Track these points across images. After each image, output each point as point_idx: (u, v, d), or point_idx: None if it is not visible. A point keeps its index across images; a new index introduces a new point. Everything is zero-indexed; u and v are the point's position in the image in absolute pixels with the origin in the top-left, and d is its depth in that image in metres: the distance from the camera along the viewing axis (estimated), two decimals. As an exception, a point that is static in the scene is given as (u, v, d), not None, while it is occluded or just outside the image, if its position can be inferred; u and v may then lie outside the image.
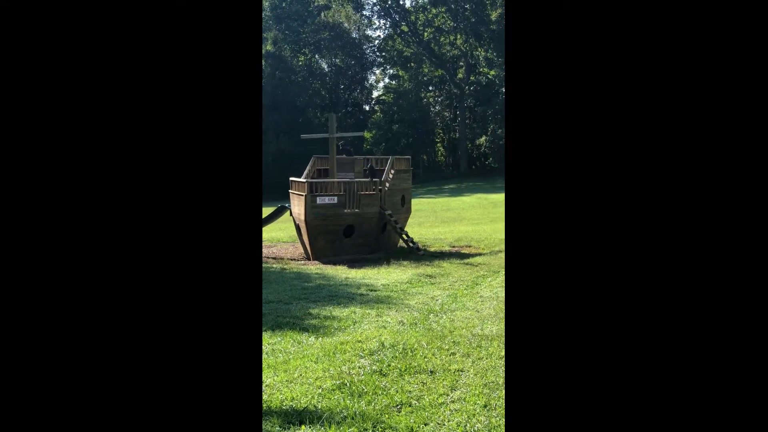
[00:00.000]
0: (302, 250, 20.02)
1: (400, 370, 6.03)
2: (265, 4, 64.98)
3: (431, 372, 5.95)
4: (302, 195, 18.57)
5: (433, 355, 6.60)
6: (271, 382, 5.82)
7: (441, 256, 18.32)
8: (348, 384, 5.60)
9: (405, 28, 65.77)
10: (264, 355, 7.07)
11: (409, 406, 5.03)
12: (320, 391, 5.46)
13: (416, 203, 24.72)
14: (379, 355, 6.65)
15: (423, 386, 5.52)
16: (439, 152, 68.74)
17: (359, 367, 6.18)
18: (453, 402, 5.05)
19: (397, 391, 5.37)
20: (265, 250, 20.81)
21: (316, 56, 67.16)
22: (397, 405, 5.06)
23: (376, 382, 5.62)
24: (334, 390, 5.47)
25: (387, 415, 4.82)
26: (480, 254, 18.11)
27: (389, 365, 6.19)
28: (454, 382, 5.60)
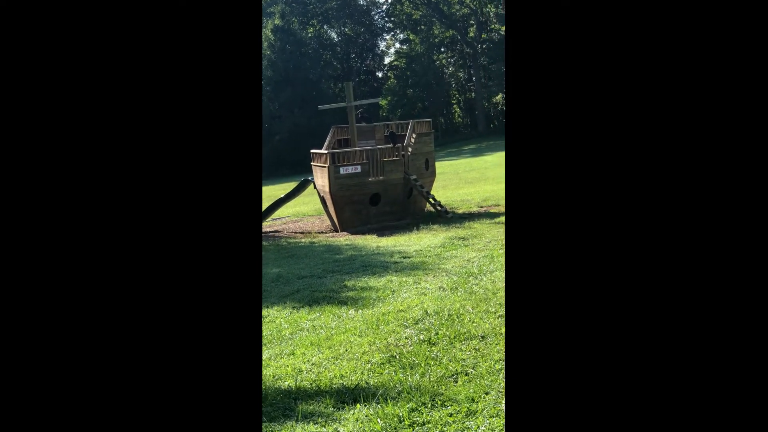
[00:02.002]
0: (329, 223, 19.80)
1: (450, 337, 5.79)
2: (270, -23, 64.34)
3: (482, 337, 5.69)
4: (325, 166, 18.29)
5: (480, 319, 6.34)
6: (317, 360, 5.61)
7: (470, 217, 18.01)
8: (397, 356, 5.37)
9: (412, -9, 64.82)
10: (305, 333, 6.87)
11: (466, 375, 4.79)
12: (369, 365, 5.23)
13: (438, 166, 24.24)
14: (425, 323, 6.41)
15: (476, 353, 5.27)
16: (456, 113, 67.99)
17: (406, 338, 5.95)
18: (511, 367, 4.79)
19: (450, 360, 5.12)
20: (291, 225, 20.63)
21: (325, 27, 66.42)
22: (453, 375, 4.82)
23: (427, 353, 5.38)
24: (383, 364, 5.24)
25: (444, 387, 4.58)
26: (510, 212, 17.77)
27: (437, 333, 5.95)
28: (509, 346, 5.33)
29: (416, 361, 5.18)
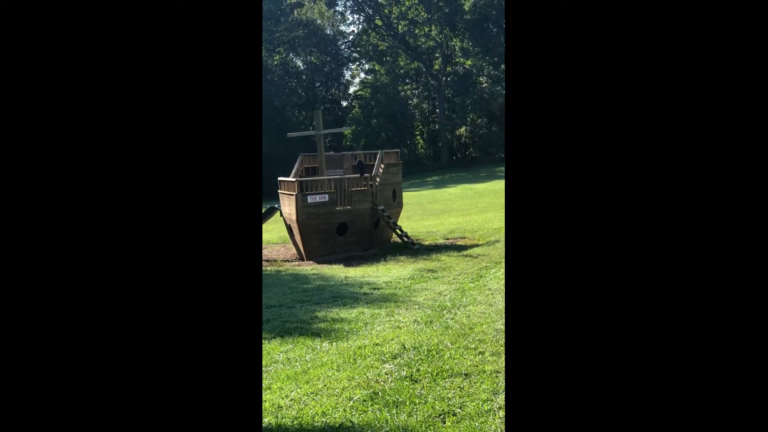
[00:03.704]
0: (294, 251, 19.59)
1: (432, 374, 5.65)
2: (237, 3, 64.08)
3: (466, 375, 5.57)
4: (292, 194, 18.13)
5: (461, 355, 6.22)
6: (296, 396, 5.42)
7: (437, 249, 17.96)
8: (380, 393, 5.21)
9: (379, 22, 65.23)
10: (280, 365, 6.67)
11: (453, 415, 4.65)
12: (352, 403, 5.07)
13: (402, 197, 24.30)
14: (404, 358, 6.28)
15: (461, 392, 5.14)
16: (420, 144, 68.31)
17: (386, 374, 5.80)
18: (500, 408, 4.66)
19: (435, 399, 4.98)
20: (256, 253, 20.35)
21: (291, 55, 66.43)
22: (440, 415, 4.67)
23: (410, 390, 5.24)
24: (366, 401, 5.08)
25: (432, 428, 4.44)
26: (477, 245, 17.76)
27: (418, 370, 5.81)
28: (494, 385, 5.21)
29: (400, 399, 5.03)
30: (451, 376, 5.58)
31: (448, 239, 20.04)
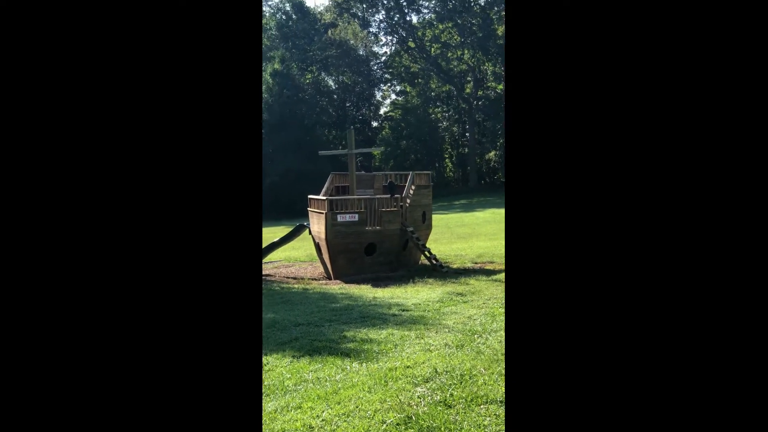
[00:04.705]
0: (322, 269, 19.55)
1: (466, 400, 5.53)
2: (272, 23, 64.87)
3: (501, 402, 5.43)
4: (322, 213, 18.11)
5: (495, 382, 6.08)
6: (327, 416, 5.33)
7: (465, 273, 17.80)
8: (414, 418, 5.10)
9: (412, 44, 65.51)
10: (310, 385, 6.59)
11: (491, 443, 4.53)
12: (385, 426, 4.96)
13: (432, 219, 24.19)
14: (436, 382, 6.15)
15: (498, 419, 5.01)
16: (448, 167, 68.28)
17: (419, 397, 5.68)
18: (539, 438, 4.53)
19: (471, 426, 4.86)
20: (283, 270, 20.34)
21: (323, 74, 66.89)
22: (477, 442, 4.55)
23: (445, 416, 5.12)
24: (400, 425, 4.97)
25: (469, 455, 4.32)
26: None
27: (452, 395, 5.69)
28: (531, 413, 5.08)
29: (435, 425, 4.92)
30: (486, 402, 5.45)
31: (476, 263, 19.86)
